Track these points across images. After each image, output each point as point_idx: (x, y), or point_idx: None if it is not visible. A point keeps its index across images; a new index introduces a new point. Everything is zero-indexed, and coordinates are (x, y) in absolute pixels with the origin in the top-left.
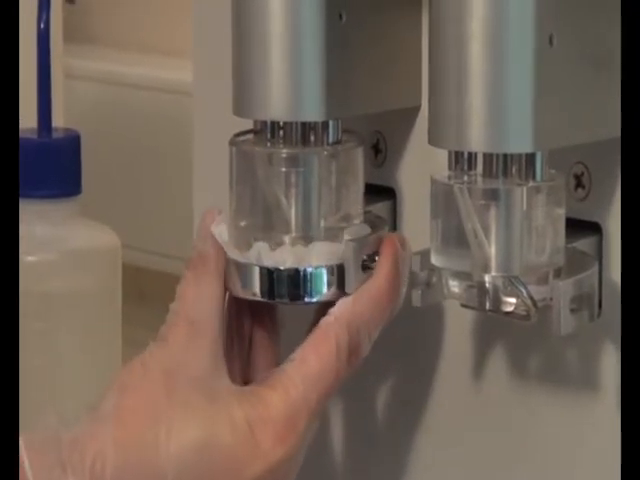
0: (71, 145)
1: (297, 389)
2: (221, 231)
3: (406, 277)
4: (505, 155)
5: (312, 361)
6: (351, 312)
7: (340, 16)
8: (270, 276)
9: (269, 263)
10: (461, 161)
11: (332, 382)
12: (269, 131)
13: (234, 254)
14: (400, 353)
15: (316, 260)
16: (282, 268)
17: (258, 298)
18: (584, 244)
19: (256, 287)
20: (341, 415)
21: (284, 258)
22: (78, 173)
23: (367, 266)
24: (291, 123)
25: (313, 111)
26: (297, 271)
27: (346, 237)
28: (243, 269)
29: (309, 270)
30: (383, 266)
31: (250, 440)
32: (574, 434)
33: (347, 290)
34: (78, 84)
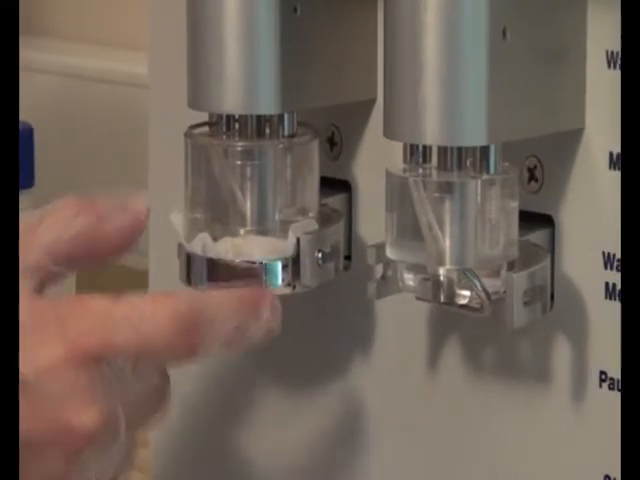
0: (23, 138)
1: (122, 307)
2: (178, 220)
3: (262, 324)
4: (459, 148)
5: (145, 303)
6: (201, 295)
7: (295, 9)
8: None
9: (212, 254)
10: (416, 154)
11: (157, 340)
12: (224, 124)
13: (188, 246)
14: (355, 346)
15: (256, 254)
16: (236, 260)
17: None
18: (537, 237)
19: (214, 280)
20: (298, 406)
21: (226, 249)
22: (31, 165)
23: (321, 260)
24: (246, 116)
25: (268, 104)
26: (252, 263)
27: (291, 233)
28: (198, 261)
29: (264, 263)
30: (247, 289)
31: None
32: (527, 424)
33: (304, 282)
34: (34, 76)
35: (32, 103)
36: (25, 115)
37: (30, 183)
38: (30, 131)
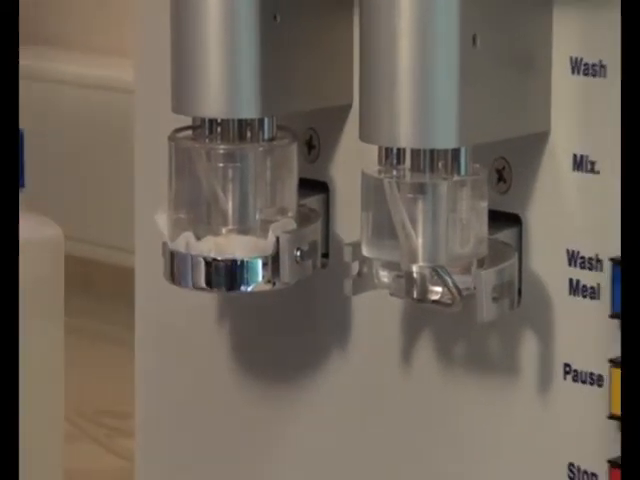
0: None
1: None
2: (162, 220)
3: None
4: (432, 150)
5: None
6: None
7: (275, 17)
8: (208, 266)
9: (195, 252)
10: (390, 156)
11: None
12: (207, 128)
13: (172, 245)
14: (332, 341)
15: (237, 252)
16: (219, 258)
17: (195, 288)
18: (505, 235)
19: (197, 277)
20: (276, 399)
21: (208, 248)
22: (21, 167)
23: (299, 257)
24: (228, 120)
25: (249, 109)
26: (234, 261)
27: (271, 232)
28: (181, 259)
29: (245, 260)
30: None
31: None
32: (495, 414)
33: (283, 279)
34: (25, 83)
35: (24, 108)
36: None
37: (21, 184)
38: (20, 134)
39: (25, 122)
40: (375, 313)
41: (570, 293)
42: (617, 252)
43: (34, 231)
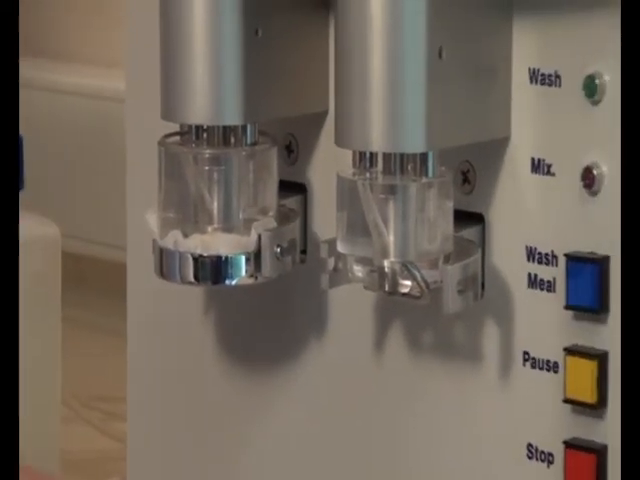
0: None
1: None
2: (152, 219)
3: None
4: (402, 155)
5: None
6: None
7: (256, 31)
8: (195, 262)
9: (182, 249)
10: (364, 160)
11: None
12: (194, 133)
13: (162, 242)
14: (310, 331)
15: (222, 249)
16: (205, 255)
17: (183, 282)
18: (469, 233)
19: (184, 272)
20: (256, 386)
21: (195, 245)
22: (21, 170)
23: (279, 254)
24: (213, 126)
25: (233, 116)
26: (219, 257)
27: (253, 230)
28: (170, 255)
29: (230, 256)
30: None
31: None
32: (460, 398)
33: (264, 274)
34: (25, 92)
35: (23, 115)
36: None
37: (20, 186)
38: (20, 139)
39: (24, 128)
40: (350, 305)
41: (529, 286)
42: (571, 248)
43: (33, 229)
